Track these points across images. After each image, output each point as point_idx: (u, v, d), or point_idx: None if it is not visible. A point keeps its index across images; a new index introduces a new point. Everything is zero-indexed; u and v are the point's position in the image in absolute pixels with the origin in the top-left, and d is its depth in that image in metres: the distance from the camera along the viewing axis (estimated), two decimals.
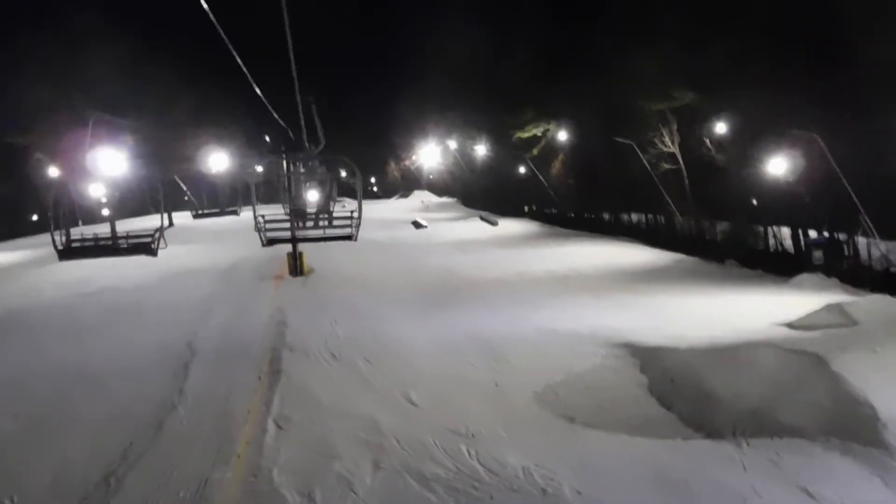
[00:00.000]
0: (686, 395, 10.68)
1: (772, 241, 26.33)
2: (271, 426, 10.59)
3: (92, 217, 51.83)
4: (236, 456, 9.54)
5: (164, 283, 25.06)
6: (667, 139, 28.56)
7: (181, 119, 50.32)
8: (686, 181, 29.05)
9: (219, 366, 13.92)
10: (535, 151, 41.55)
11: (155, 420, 11.09)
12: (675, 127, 28.32)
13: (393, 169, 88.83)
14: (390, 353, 14.37)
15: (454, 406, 11.37)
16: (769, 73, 22.35)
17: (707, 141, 26.96)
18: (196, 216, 36.10)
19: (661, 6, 26.28)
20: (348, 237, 21.72)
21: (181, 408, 11.58)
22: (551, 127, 39.37)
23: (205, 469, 9.25)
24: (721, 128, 26.41)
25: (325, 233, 24.06)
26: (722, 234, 27.49)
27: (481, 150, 52.41)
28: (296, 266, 24.63)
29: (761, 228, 26.13)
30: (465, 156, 58.70)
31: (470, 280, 22.92)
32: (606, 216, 38.38)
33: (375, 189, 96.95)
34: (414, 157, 75.69)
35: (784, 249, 25.90)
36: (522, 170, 45.96)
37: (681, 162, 28.90)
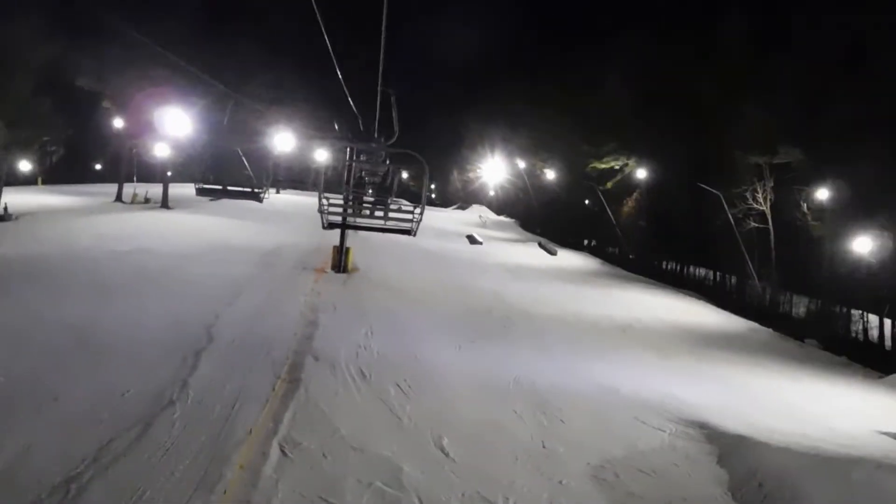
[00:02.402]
0: None
1: (856, 328, 23.83)
2: (275, 451, 8.86)
3: (151, 176, 51.59)
4: (224, 485, 7.81)
5: (203, 254, 23.85)
6: (759, 196, 26.17)
7: (255, 93, 49.70)
8: (772, 244, 26.60)
9: (233, 361, 12.29)
10: (608, 185, 39.34)
11: (145, 416, 9.46)
12: (770, 184, 25.92)
13: (455, 179, 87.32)
14: (427, 382, 12.54)
15: (492, 464, 9.47)
16: (891, 146, 20.09)
17: (804, 206, 24.58)
18: (200, 192, 29.25)
19: (781, 53, 24.09)
20: (407, 232, 20.98)
21: (178, 406, 9.94)
22: (631, 162, 37.15)
23: (183, 495, 7.56)
24: (823, 194, 24.01)
25: (385, 223, 23.05)
26: (805, 309, 24.97)
27: (551, 174, 50.37)
28: (340, 261, 23.10)
29: (852, 312, 23.56)
30: (532, 177, 56.76)
31: (523, 312, 20.96)
32: (673, 266, 36.01)
33: (434, 196, 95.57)
34: (479, 171, 74.04)
35: (868, 338, 23.42)
36: (589, 202, 43.81)
37: (770, 223, 26.48)
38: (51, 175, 52.19)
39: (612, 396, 13.13)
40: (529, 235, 51.16)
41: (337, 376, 12.16)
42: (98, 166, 63.67)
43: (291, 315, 16.27)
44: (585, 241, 46.67)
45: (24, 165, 45.64)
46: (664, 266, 36.94)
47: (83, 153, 59.83)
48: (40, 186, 45.66)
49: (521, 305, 21.94)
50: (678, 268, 35.82)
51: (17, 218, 27.50)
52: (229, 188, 25.84)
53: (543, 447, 10.39)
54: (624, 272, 35.88)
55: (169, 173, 51.04)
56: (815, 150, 23.23)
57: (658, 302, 26.67)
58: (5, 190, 30.13)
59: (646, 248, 37.72)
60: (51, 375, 10.62)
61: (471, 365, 14.15)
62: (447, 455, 9.59)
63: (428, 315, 18.59)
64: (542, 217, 54.42)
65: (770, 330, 23.68)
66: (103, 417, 9.31)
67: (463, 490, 8.55)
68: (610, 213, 40.68)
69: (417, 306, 19.59)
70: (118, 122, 40.63)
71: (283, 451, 8.89)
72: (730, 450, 10.53)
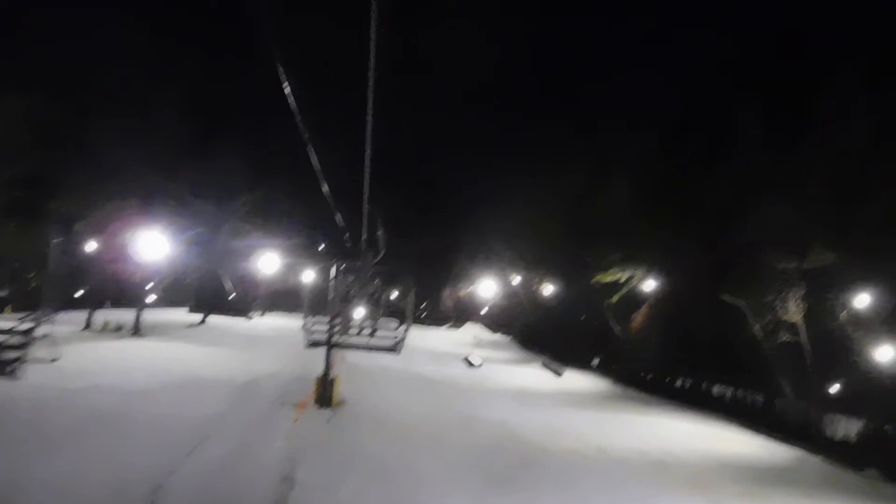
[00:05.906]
0: None
1: None
2: None
3: (127, 301, 48.40)
4: None
5: (167, 390, 20.93)
6: (790, 305, 23.56)
7: (238, 213, 47.92)
8: (808, 360, 23.80)
9: None
10: (614, 299, 36.75)
11: None
12: (802, 292, 23.39)
13: (447, 297, 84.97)
14: None
15: None
16: None
17: (844, 314, 22.04)
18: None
19: (805, 143, 22.39)
20: (391, 349, 22.16)
21: None
22: (638, 273, 34.69)
23: None
24: (864, 300, 21.54)
25: (368, 342, 24.26)
26: (857, 433, 21.90)
27: (549, 288, 48.01)
28: (324, 394, 20.18)
29: None
30: (528, 293, 54.38)
31: (540, 448, 17.90)
32: (692, 384, 32.92)
33: (425, 315, 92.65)
34: (471, 288, 71.92)
35: None
36: (593, 317, 41.09)
37: (803, 335, 23.78)
38: (26, 302, 48.69)
39: None
40: (529, 354, 48.25)
41: None
42: (81, 292, 60.44)
43: (264, 468, 13.21)
44: (591, 360, 43.62)
45: None
46: (682, 385, 33.83)
47: (63, 279, 56.64)
48: (7, 314, 42.53)
49: (536, 440, 18.89)
50: (699, 387, 32.70)
51: None
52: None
53: None
54: (637, 393, 32.89)
55: (153, 297, 48.09)
56: (852, 249, 20.95)
57: (685, 428, 23.62)
58: None
59: (659, 365, 34.74)
60: None
61: None
62: None
63: (431, 459, 15.49)
64: (541, 334, 51.59)
65: (819, 458, 20.63)
66: None
67: None
68: (617, 328, 37.99)
69: (417, 448, 16.50)
70: (92, 246, 38.24)
71: None
72: None
